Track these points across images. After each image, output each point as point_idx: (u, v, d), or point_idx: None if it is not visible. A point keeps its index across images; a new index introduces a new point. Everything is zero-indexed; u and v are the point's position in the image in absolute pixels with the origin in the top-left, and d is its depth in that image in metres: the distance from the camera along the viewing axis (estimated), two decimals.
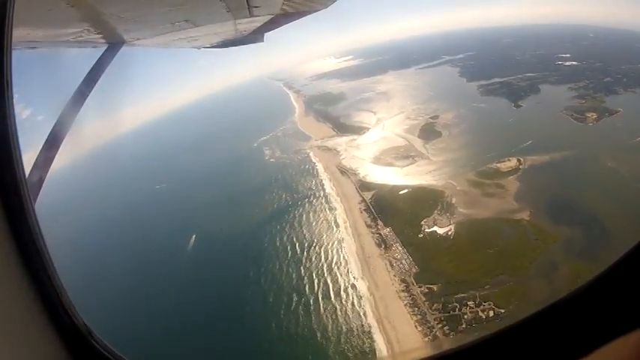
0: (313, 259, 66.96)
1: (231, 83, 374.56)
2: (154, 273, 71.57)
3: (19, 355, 2.49)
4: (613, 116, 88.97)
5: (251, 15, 9.36)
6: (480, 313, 49.74)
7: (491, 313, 49.32)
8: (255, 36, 14.22)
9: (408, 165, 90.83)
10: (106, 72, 7.29)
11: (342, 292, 58.60)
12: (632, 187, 62.88)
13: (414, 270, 58.82)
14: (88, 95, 6.48)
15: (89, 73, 6.92)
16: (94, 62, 7.27)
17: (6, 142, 2.51)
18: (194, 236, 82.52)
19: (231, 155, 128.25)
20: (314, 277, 62.60)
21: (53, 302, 2.66)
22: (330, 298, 58.03)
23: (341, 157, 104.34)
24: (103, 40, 7.72)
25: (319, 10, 12.52)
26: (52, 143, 4.79)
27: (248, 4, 8.28)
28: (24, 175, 2.59)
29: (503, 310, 48.98)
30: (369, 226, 72.13)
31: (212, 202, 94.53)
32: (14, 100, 2.62)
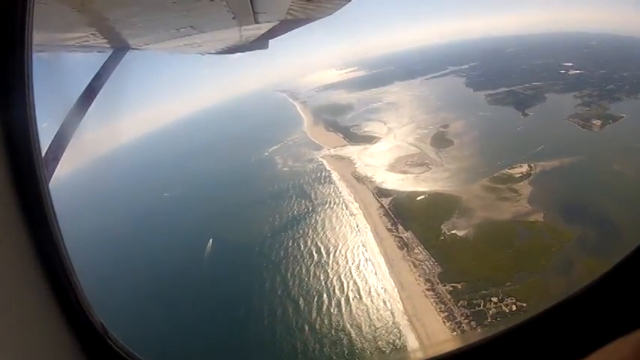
0: (340, 261, 69.71)
1: (235, 94, 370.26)
2: (171, 278, 72.53)
3: (33, 352, 2.48)
4: (617, 122, 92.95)
5: (256, 22, 9.29)
6: (504, 308, 52.87)
7: (514, 307, 52.57)
8: (259, 42, 14.00)
9: (422, 172, 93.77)
10: (111, 77, 7.18)
11: (371, 293, 61.42)
12: (638, 187, 66.51)
13: (438, 270, 61.74)
14: (92, 101, 6.35)
15: (94, 78, 6.78)
16: (98, 67, 7.15)
17: (28, 148, 2.51)
18: (211, 240, 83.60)
19: (242, 164, 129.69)
20: (342, 279, 65.29)
21: (70, 300, 2.65)
22: (361, 298, 60.75)
23: (355, 165, 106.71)
24: (108, 45, 7.70)
25: (324, 16, 12.38)
26: (56, 150, 4.73)
27: (253, 11, 8.26)
28: (42, 170, 2.59)
29: (525, 304, 52.16)
30: (389, 230, 74.86)
31: (227, 209, 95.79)
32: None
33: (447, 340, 45.96)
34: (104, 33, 7.03)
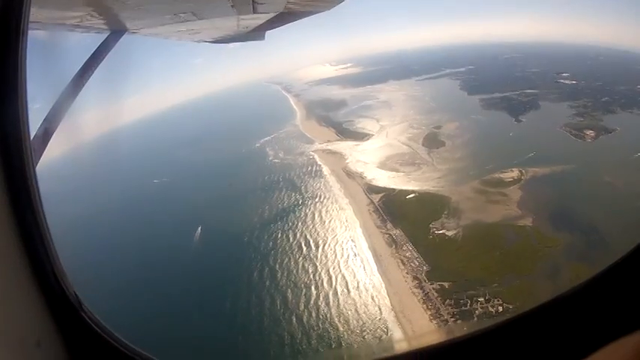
0: (328, 255, 69.67)
1: (228, 84, 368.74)
2: (158, 265, 71.72)
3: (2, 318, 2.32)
4: (610, 134, 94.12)
5: (254, 11, 9.20)
6: (490, 309, 53.39)
7: (500, 309, 53.12)
8: (256, 33, 13.96)
9: (413, 171, 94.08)
10: (106, 60, 7.03)
11: (359, 287, 61.44)
12: (626, 199, 67.29)
13: (425, 268, 62.03)
14: (85, 83, 6.20)
15: (88, 59, 6.61)
16: (93, 49, 7.00)
17: (17, 128, 2.44)
18: (200, 228, 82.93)
19: (232, 154, 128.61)
20: (331, 272, 65.29)
21: (44, 268, 2.52)
22: (349, 292, 60.72)
23: (346, 161, 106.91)
24: (106, 27, 7.57)
25: (322, 11, 12.52)
26: (45, 132, 4.58)
27: (253, 0, 8.17)
28: (29, 149, 2.52)
29: (511, 306, 52.77)
30: (378, 227, 75.01)
31: (217, 198, 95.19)
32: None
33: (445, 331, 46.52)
34: (102, 14, 6.93)
